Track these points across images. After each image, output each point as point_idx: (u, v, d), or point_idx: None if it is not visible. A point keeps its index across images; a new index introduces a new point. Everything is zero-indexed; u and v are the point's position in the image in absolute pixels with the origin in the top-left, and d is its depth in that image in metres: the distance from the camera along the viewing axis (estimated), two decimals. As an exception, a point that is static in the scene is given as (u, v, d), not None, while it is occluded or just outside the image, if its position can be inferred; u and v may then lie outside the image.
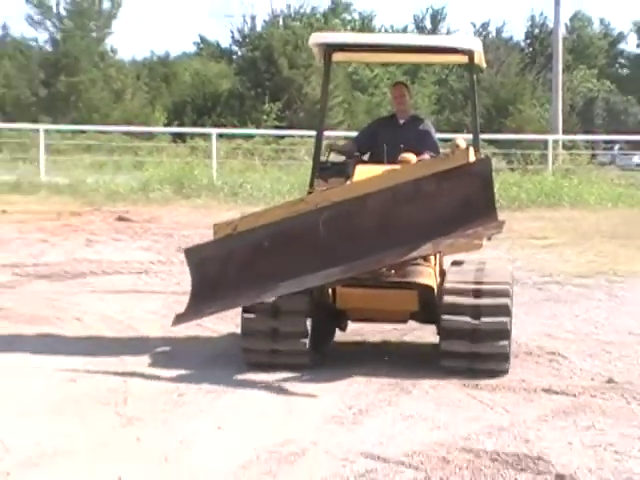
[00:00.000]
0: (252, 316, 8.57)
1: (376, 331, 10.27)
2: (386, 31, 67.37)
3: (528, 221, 20.93)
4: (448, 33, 72.04)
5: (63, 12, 61.10)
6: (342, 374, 8.53)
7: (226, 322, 10.27)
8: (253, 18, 62.27)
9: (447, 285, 8.60)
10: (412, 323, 9.67)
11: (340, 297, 8.84)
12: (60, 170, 29.71)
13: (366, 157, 9.72)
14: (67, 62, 57.94)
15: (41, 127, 33.09)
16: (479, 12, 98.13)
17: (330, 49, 9.87)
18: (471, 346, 8.40)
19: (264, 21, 61.82)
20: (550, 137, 35.77)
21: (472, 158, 8.25)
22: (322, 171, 9.54)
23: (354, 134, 11.33)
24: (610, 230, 19.77)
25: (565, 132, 42.40)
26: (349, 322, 9.73)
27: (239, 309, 8.80)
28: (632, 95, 73.49)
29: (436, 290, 8.66)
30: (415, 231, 8.11)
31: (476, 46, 9.72)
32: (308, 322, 8.58)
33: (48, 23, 61.38)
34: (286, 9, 61.70)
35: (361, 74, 58.36)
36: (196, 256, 8.87)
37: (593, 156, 41.53)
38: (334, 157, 9.84)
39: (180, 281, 12.46)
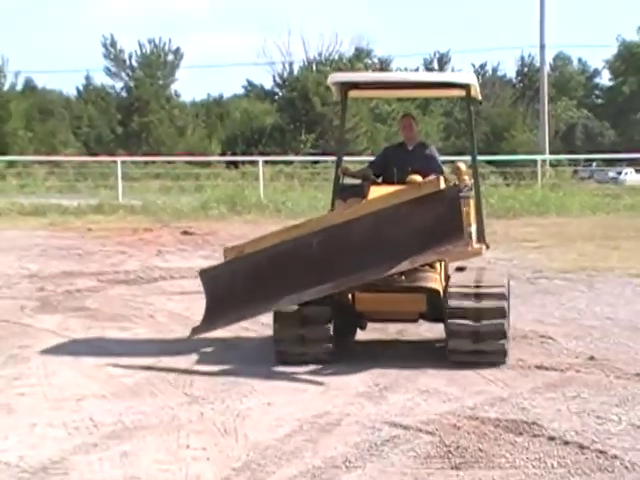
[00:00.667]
0: (282, 325, 8.34)
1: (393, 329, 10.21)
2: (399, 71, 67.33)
3: (521, 227, 20.85)
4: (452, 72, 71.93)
5: (135, 64, 61.37)
6: (367, 362, 8.47)
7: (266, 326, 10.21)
8: (291, 64, 62.35)
9: (451, 290, 8.39)
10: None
11: (358, 301, 8.65)
12: (134, 194, 29.83)
13: (380, 179, 9.49)
14: (139, 105, 58.20)
15: (118, 159, 33.28)
16: (478, 54, 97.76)
17: (345, 87, 9.61)
18: (473, 345, 8.21)
19: (300, 67, 61.83)
20: (539, 157, 35.71)
21: (442, 186, 8.06)
22: (342, 192, 9.30)
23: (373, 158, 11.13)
24: (590, 233, 19.67)
25: (551, 152, 42.27)
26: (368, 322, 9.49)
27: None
28: (606, 121, 72.95)
29: (442, 293, 8.47)
30: (395, 250, 7.93)
31: (472, 81, 9.54)
32: (331, 328, 8.36)
33: (123, 74, 61.70)
34: (318, 56, 61.65)
35: (381, 108, 58.05)
36: (208, 276, 8.73)
37: (575, 172, 41.28)
38: (350, 179, 9.54)
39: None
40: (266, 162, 33.89)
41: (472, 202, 8.89)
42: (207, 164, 41.16)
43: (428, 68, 75.57)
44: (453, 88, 9.82)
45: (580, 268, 14.67)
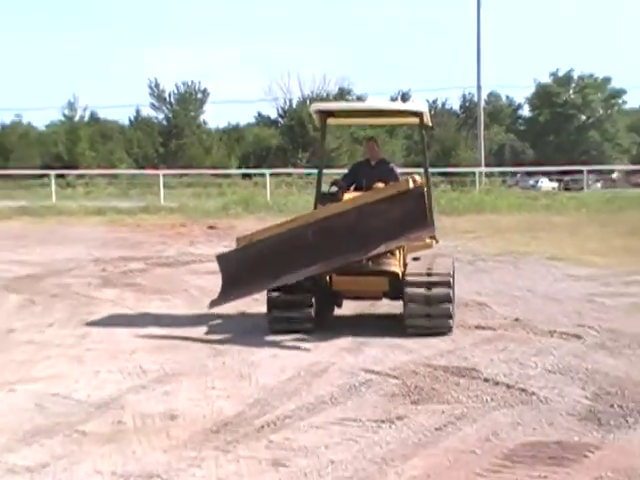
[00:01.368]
0: (275, 294, 8.10)
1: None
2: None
3: (464, 222, 20.82)
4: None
5: (173, 101, 61.13)
6: (346, 329, 8.31)
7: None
8: (290, 100, 62.05)
9: (408, 278, 8.08)
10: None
11: (334, 283, 8.39)
12: (172, 198, 29.73)
13: (352, 188, 9.05)
14: (176, 131, 58.06)
15: (160, 172, 33.21)
16: (432, 92, 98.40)
17: (324, 115, 9.26)
18: (425, 309, 7.91)
19: (297, 101, 61.52)
20: (477, 170, 35.70)
21: (411, 185, 7.88)
22: (322, 198, 9.00)
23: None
24: (515, 226, 19.66)
25: (486, 166, 42.15)
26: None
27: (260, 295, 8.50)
28: (527, 142, 72.95)
29: (400, 276, 8.22)
30: (373, 237, 7.80)
31: (424, 109, 9.20)
32: (313, 299, 8.11)
33: (164, 107, 61.33)
34: (311, 93, 61.35)
35: (359, 133, 57.71)
36: (224, 259, 8.53)
37: (504, 181, 41.39)
38: (327, 188, 9.14)
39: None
40: (272, 174, 33.81)
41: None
42: (227, 176, 41.08)
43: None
44: (409, 116, 9.49)
45: (508, 252, 14.68)
